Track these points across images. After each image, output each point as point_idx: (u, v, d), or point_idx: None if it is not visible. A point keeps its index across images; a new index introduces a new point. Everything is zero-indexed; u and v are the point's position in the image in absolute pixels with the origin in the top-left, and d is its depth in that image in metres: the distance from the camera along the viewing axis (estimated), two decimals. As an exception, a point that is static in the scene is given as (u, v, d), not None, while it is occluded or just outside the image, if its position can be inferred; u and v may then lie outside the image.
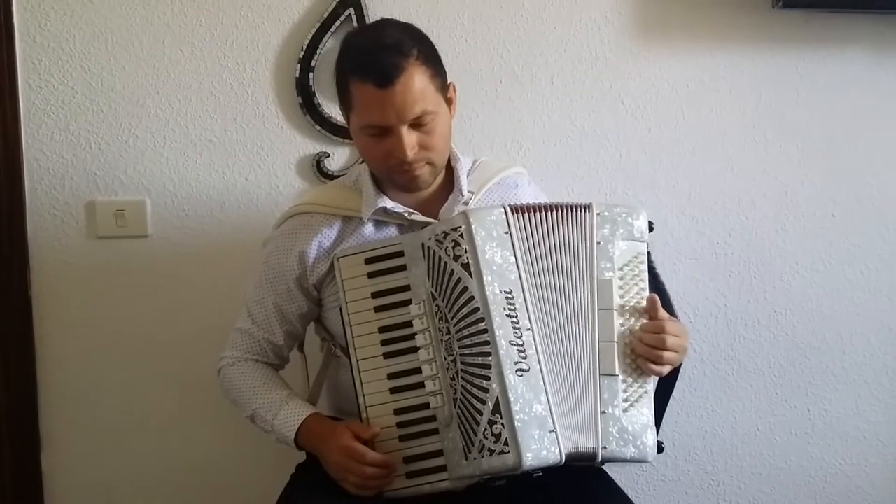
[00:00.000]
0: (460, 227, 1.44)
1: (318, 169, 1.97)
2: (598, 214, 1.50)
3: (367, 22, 1.91)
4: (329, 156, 1.97)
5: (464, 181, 1.60)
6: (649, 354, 1.45)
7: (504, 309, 1.41)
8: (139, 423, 2.01)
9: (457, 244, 1.43)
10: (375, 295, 1.50)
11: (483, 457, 1.37)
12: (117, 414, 2.01)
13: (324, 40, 1.93)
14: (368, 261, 1.51)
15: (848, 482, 2.17)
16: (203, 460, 2.03)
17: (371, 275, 1.50)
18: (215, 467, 2.03)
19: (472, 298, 1.41)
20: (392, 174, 1.54)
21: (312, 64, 1.93)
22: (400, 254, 1.50)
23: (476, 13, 1.96)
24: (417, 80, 1.45)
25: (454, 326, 1.43)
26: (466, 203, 1.59)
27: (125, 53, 1.92)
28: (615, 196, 2.03)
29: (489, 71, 1.98)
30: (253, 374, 1.64)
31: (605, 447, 1.40)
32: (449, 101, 1.56)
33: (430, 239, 1.47)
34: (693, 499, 2.15)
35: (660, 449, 1.46)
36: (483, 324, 1.40)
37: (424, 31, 1.55)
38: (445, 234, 1.45)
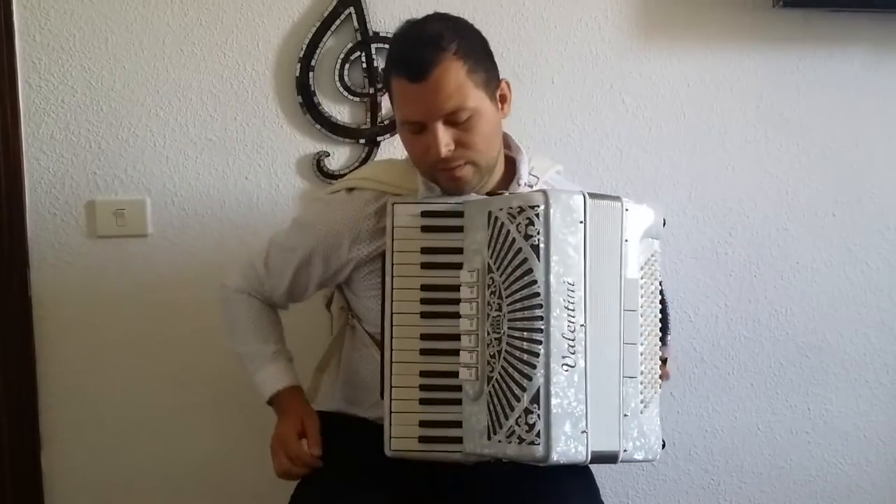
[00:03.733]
0: (538, 206, 1.34)
1: (319, 168, 1.97)
2: (626, 210, 1.42)
3: (367, 21, 1.92)
4: (329, 155, 1.97)
5: (524, 171, 1.56)
6: None
7: (563, 300, 1.34)
8: (139, 422, 2.01)
9: (530, 223, 1.34)
10: (425, 251, 1.43)
11: (510, 442, 1.33)
12: (117, 413, 2.00)
13: (324, 39, 1.92)
14: (425, 213, 1.45)
15: (848, 481, 2.17)
16: (203, 460, 2.03)
17: (425, 229, 1.44)
18: (215, 467, 2.03)
19: (534, 282, 1.34)
20: (434, 173, 1.48)
21: (313, 63, 1.93)
22: (459, 214, 1.43)
23: (476, 12, 1.95)
24: (453, 75, 1.39)
25: (508, 305, 1.35)
26: None
27: (125, 52, 1.92)
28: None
29: (489, 70, 1.98)
30: (251, 314, 1.66)
31: (625, 449, 1.38)
32: (502, 100, 1.51)
33: (500, 210, 1.37)
34: (693, 498, 2.15)
35: (663, 445, 1.46)
36: (540, 311, 1.33)
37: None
38: (520, 210, 1.35)
